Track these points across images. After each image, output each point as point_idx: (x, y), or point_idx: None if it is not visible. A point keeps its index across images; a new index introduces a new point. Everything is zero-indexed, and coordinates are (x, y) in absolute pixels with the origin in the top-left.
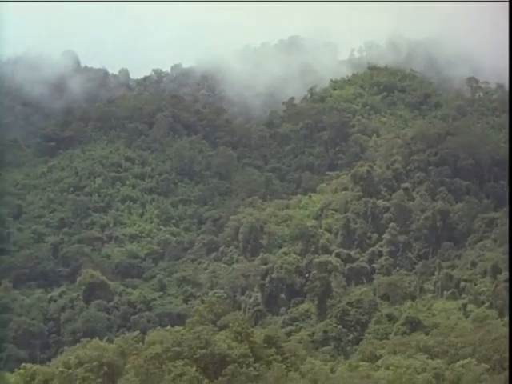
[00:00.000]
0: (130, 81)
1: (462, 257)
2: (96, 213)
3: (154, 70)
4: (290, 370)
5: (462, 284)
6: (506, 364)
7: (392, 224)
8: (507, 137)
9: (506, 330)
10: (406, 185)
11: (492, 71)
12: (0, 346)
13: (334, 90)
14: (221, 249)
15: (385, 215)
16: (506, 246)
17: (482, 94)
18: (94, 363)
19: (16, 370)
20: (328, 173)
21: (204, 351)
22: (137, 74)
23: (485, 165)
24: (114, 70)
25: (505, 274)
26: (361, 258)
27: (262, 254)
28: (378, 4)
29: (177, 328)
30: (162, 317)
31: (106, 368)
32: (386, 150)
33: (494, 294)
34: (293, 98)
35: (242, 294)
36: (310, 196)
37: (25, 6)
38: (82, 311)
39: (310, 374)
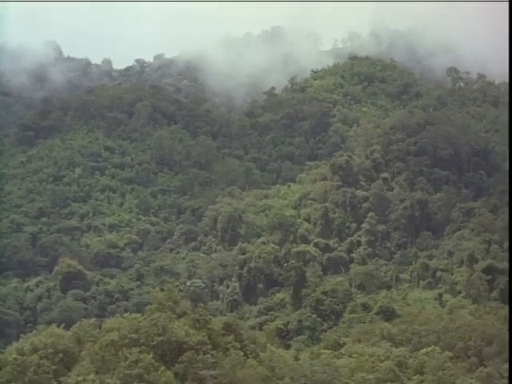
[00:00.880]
0: (112, 71)
1: (439, 246)
2: (75, 203)
3: (136, 61)
4: (248, 358)
5: (439, 274)
6: (471, 352)
7: (371, 214)
8: (487, 126)
9: (470, 319)
10: (385, 175)
11: (473, 61)
12: None
13: (315, 80)
14: (199, 238)
15: (363, 205)
16: (484, 235)
17: (462, 84)
18: (49, 350)
19: None
20: (307, 163)
21: (161, 338)
22: (120, 64)
23: (464, 155)
24: (97, 61)
25: (481, 264)
26: (339, 248)
27: (240, 243)
28: None
29: (135, 315)
30: (140, 306)
31: (61, 355)
32: (366, 140)
33: (468, 283)
34: (274, 88)
35: (220, 283)
36: (289, 186)
37: None
38: (59, 301)
39: (268, 362)
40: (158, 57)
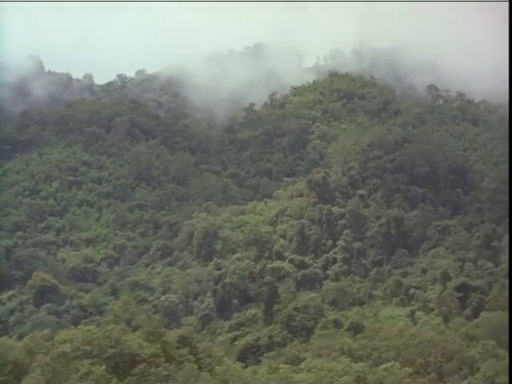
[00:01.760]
0: (94, 85)
1: (414, 264)
2: (52, 217)
3: (118, 76)
4: (202, 371)
5: (412, 291)
6: (430, 368)
7: (347, 231)
8: (466, 145)
9: (431, 334)
10: (362, 191)
11: (454, 80)
12: None
13: (294, 96)
14: (175, 254)
15: (340, 222)
16: (459, 253)
17: (441, 102)
18: None
19: None
20: (285, 179)
21: (114, 350)
22: (102, 79)
23: (441, 172)
24: (79, 76)
25: (454, 281)
26: (314, 265)
27: (215, 259)
28: (344, 13)
29: (89, 327)
30: None
31: (10, 366)
32: (343, 157)
33: (440, 300)
34: (253, 104)
35: (195, 299)
36: (266, 202)
37: None
38: (32, 314)
39: (222, 375)
40: (139, 72)
